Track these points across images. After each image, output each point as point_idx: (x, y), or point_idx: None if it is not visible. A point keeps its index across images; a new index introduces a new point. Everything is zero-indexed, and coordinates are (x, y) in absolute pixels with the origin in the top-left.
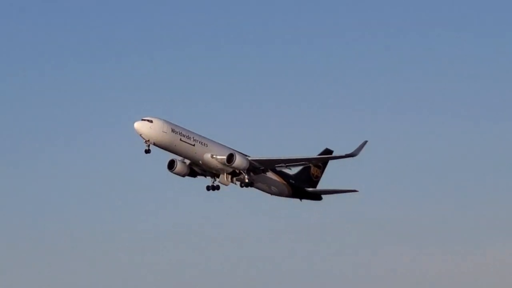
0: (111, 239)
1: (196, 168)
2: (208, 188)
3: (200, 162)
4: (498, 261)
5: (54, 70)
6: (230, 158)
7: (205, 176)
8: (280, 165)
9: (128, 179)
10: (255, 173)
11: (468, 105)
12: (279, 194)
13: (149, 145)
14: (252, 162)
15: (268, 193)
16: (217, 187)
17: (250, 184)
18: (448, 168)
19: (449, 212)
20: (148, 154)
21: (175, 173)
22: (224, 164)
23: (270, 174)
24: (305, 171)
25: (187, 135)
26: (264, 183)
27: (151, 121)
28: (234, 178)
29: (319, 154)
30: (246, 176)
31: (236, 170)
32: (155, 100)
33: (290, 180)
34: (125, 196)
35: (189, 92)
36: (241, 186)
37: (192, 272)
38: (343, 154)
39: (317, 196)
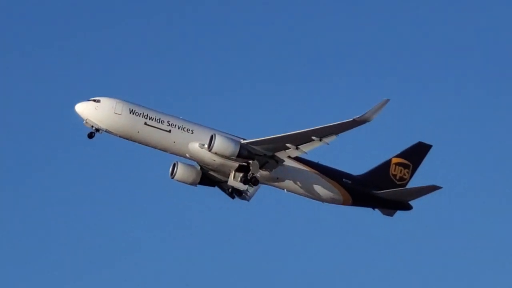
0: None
1: (212, 173)
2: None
3: (188, 156)
4: None
5: None
6: (210, 140)
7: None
8: (287, 146)
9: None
10: (268, 167)
11: None
12: (330, 200)
13: (96, 129)
14: (246, 145)
15: (313, 198)
16: (238, 192)
17: (252, 181)
18: None
19: None
20: (91, 139)
21: (179, 181)
22: (214, 153)
23: (305, 172)
24: (381, 171)
25: (156, 117)
26: (297, 183)
27: (98, 101)
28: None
29: (411, 148)
30: (251, 171)
31: (244, 163)
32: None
33: (344, 180)
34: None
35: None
36: (244, 184)
37: None
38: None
39: (397, 204)
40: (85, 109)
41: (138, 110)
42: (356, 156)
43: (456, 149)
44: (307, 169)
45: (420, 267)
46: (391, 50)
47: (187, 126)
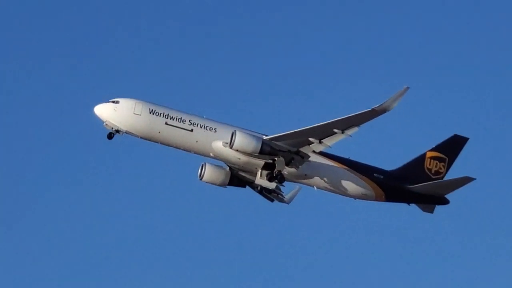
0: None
1: (241, 173)
2: (267, 196)
3: (212, 155)
4: None
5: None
6: (231, 138)
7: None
8: (310, 141)
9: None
10: (294, 163)
11: None
12: (362, 196)
13: (116, 131)
14: (268, 142)
15: (343, 194)
16: (268, 191)
17: (278, 178)
18: None
19: None
20: (111, 139)
21: (207, 182)
22: (235, 150)
23: (334, 167)
24: (416, 166)
25: (177, 117)
26: (326, 179)
27: (117, 102)
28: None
29: (447, 141)
30: (277, 168)
31: (270, 160)
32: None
33: (375, 175)
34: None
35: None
36: (270, 181)
37: None
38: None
39: (432, 198)
40: (104, 111)
41: (158, 110)
42: (391, 151)
43: (493, 142)
44: (335, 165)
45: (461, 262)
46: (423, 38)
47: (210, 124)
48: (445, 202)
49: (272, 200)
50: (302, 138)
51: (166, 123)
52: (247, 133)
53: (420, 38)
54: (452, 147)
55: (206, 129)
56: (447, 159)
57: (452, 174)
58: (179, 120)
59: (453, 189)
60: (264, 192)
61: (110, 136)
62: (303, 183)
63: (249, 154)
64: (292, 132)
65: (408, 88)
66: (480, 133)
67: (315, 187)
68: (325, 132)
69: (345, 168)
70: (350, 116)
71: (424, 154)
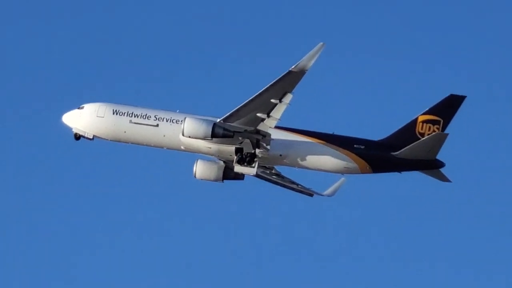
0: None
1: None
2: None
3: (183, 148)
4: None
5: None
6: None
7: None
8: (260, 116)
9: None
10: (261, 145)
11: None
12: (345, 170)
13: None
14: (221, 123)
15: (326, 171)
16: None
17: (247, 161)
18: None
19: None
20: (78, 140)
21: (202, 179)
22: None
23: (309, 143)
24: (407, 132)
25: (142, 114)
26: (303, 157)
27: (82, 108)
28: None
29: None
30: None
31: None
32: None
33: (355, 146)
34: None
35: None
36: (241, 164)
37: None
38: None
39: (423, 163)
40: (70, 119)
41: (122, 109)
42: (387, 121)
43: (492, 100)
44: (310, 140)
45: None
46: None
47: (177, 117)
48: (439, 165)
49: (311, 195)
50: (250, 114)
51: (131, 122)
52: (198, 118)
53: None
54: (447, 108)
55: (172, 122)
56: (441, 121)
57: (451, 135)
58: (144, 116)
59: (434, 149)
60: (298, 187)
61: (76, 136)
62: (284, 165)
63: (201, 139)
64: (236, 109)
65: (324, 44)
66: (478, 91)
67: (296, 167)
68: (266, 104)
69: (321, 143)
70: (273, 83)
71: (416, 119)
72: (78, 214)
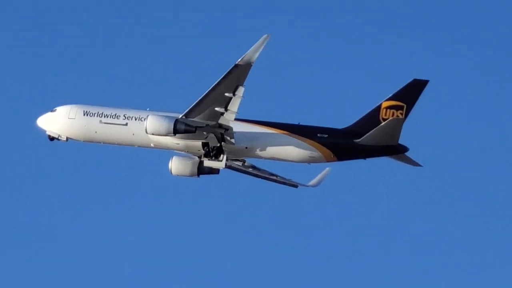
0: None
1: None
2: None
3: (153, 145)
4: None
5: None
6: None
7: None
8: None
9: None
10: (225, 138)
11: None
12: (311, 159)
13: (52, 138)
14: (183, 120)
15: (291, 161)
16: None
17: (214, 154)
18: None
19: None
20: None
21: (178, 175)
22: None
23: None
24: (370, 119)
25: (111, 113)
26: (268, 148)
27: (55, 110)
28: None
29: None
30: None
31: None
32: None
33: (319, 135)
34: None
35: None
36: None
37: None
38: None
39: (386, 149)
40: (44, 122)
41: (92, 110)
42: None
43: (455, 84)
44: (273, 132)
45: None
46: None
47: (145, 115)
48: (403, 150)
49: (296, 186)
50: (208, 108)
51: (101, 122)
52: (160, 115)
53: None
54: (410, 93)
55: (141, 121)
56: (405, 106)
57: (413, 120)
58: (113, 116)
59: (394, 134)
60: (278, 179)
61: (50, 138)
62: (254, 157)
63: (183, 138)
64: (194, 105)
65: (268, 36)
66: (442, 75)
67: (263, 158)
68: (221, 98)
69: (284, 133)
70: (222, 78)
71: (380, 105)
72: (54, 214)
